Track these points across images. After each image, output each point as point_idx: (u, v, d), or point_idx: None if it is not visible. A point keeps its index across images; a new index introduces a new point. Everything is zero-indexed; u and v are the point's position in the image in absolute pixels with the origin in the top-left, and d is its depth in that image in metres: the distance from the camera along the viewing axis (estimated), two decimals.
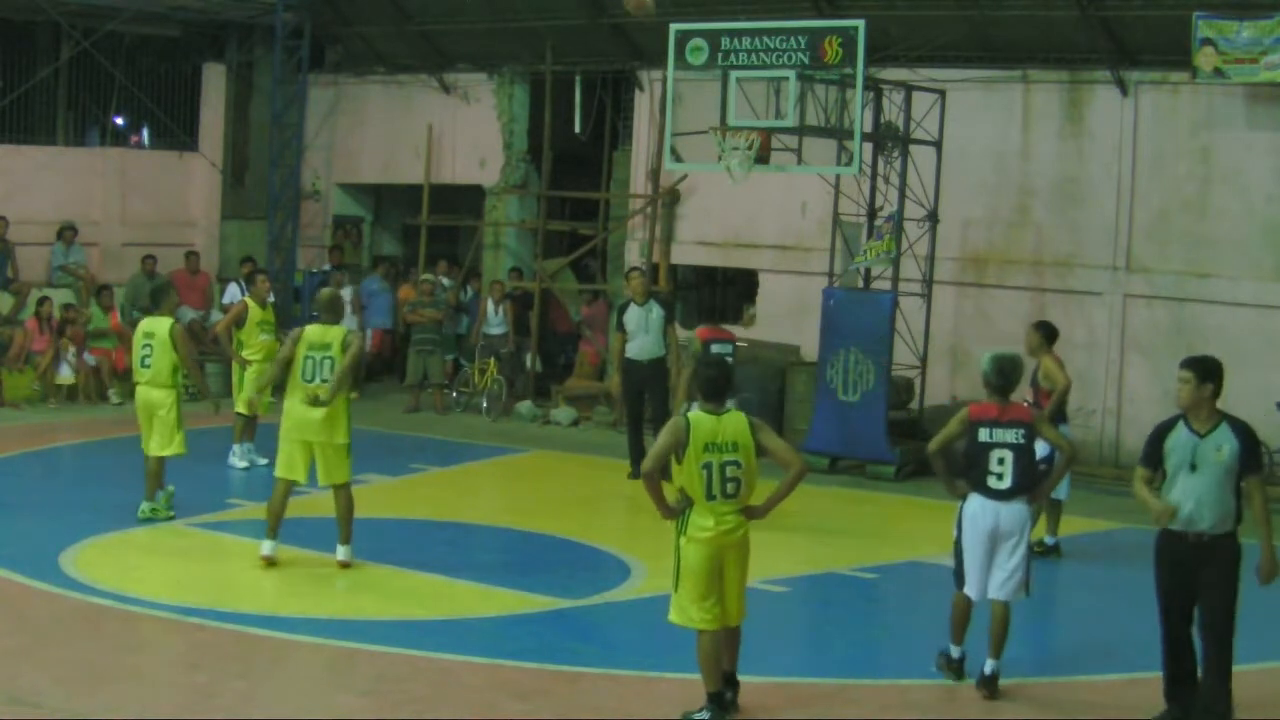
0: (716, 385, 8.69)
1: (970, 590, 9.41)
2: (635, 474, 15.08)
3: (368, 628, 10.29)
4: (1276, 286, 16.81)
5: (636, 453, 15.54)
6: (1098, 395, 17.74)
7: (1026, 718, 9.12)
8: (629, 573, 12.20)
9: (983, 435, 9.27)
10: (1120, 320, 17.75)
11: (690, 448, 8.45)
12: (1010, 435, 9.27)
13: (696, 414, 8.60)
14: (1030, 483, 9.37)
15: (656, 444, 8.61)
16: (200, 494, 14.42)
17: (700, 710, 8.63)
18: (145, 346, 13.13)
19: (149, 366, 13.11)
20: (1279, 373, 16.68)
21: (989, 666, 9.34)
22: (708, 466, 8.46)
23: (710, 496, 8.50)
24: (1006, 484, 9.26)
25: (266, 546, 11.71)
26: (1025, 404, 10.09)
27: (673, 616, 8.74)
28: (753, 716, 9.14)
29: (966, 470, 9.36)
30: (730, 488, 8.50)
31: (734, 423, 8.57)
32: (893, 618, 11.27)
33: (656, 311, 15.82)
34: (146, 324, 13.34)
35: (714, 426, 8.52)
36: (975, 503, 9.33)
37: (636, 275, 16.47)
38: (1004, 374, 9.42)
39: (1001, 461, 9.25)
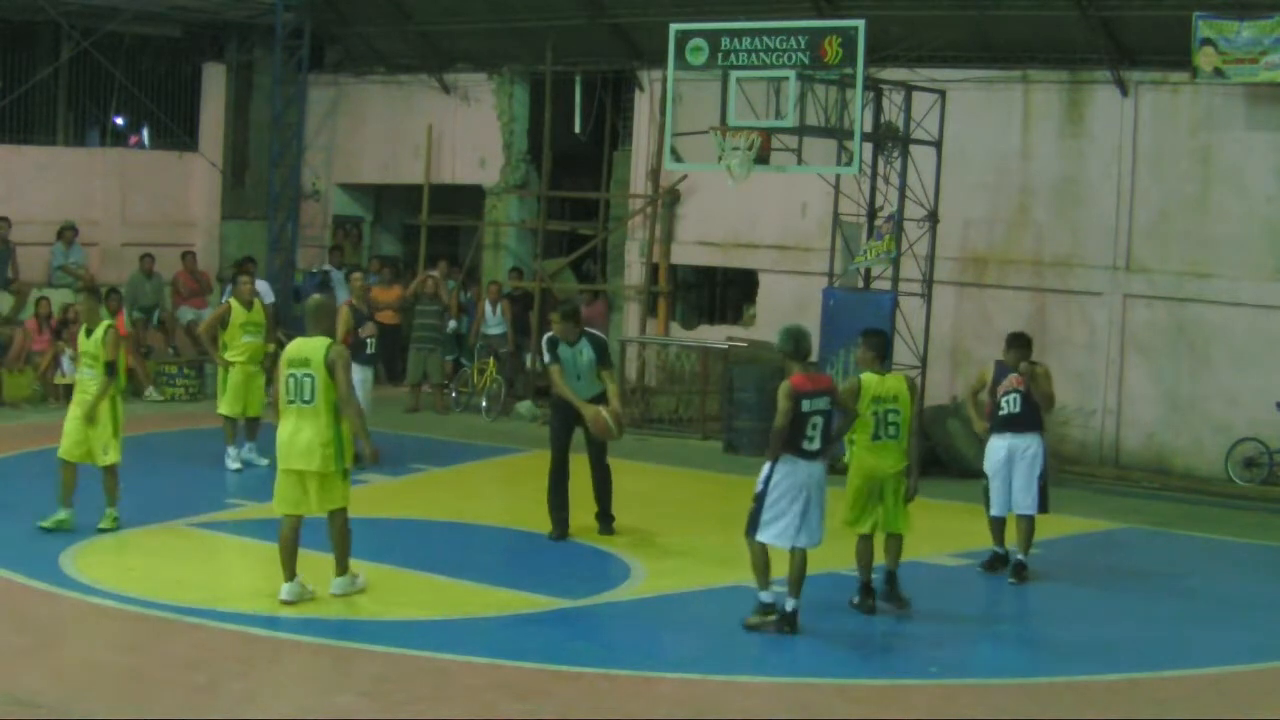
0: (886, 349, 11.44)
1: (782, 540, 10.46)
2: (556, 534, 13.24)
3: (368, 628, 10.28)
4: (1276, 286, 16.81)
5: (561, 509, 13.35)
6: (1098, 395, 17.76)
7: (1026, 718, 9.12)
8: (629, 573, 12.20)
9: (804, 405, 10.38)
10: (1120, 320, 17.75)
11: (862, 401, 10.91)
12: (822, 403, 10.49)
13: (867, 375, 11.02)
14: (829, 442, 10.65)
15: (843, 394, 10.94)
16: (200, 494, 14.45)
17: (854, 595, 11.14)
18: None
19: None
20: (1279, 373, 16.70)
21: (792, 605, 10.49)
22: (876, 414, 10.92)
23: (876, 437, 10.97)
24: (817, 445, 10.48)
25: (284, 591, 10.69)
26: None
27: (845, 524, 11.10)
28: (753, 717, 9.16)
29: (788, 436, 10.36)
30: (891, 430, 11.00)
31: (895, 381, 11.13)
32: (893, 617, 11.26)
33: (587, 354, 13.22)
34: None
35: (880, 384, 11.01)
36: (790, 463, 10.41)
37: (556, 319, 13.45)
38: (799, 340, 10.63)
39: (815, 427, 10.43)
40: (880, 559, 11.22)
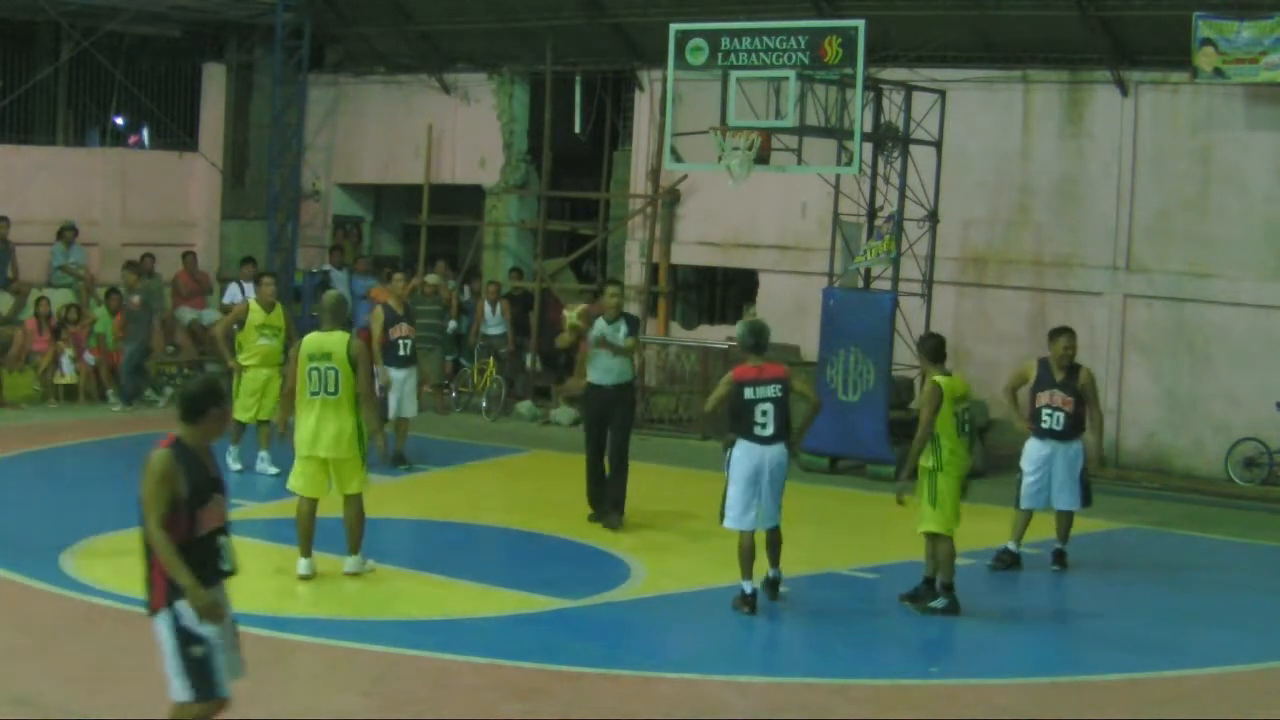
0: (941, 352, 11.33)
1: (742, 523, 10.96)
2: (596, 516, 13.75)
3: (368, 628, 10.28)
4: (1276, 286, 16.81)
5: (596, 491, 13.80)
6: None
7: (1026, 718, 9.12)
8: (629, 573, 12.20)
9: (747, 393, 10.89)
10: (1120, 320, 17.75)
11: (946, 403, 11.00)
12: (770, 390, 10.92)
13: (942, 378, 11.10)
14: (787, 429, 11.06)
15: (927, 415, 10.98)
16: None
17: (937, 599, 11.15)
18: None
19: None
20: (1279, 373, 16.69)
21: (774, 573, 11.22)
22: (957, 414, 11.09)
23: (960, 435, 11.13)
24: (770, 431, 10.92)
25: (301, 565, 11.42)
26: None
27: (937, 528, 11.11)
28: (754, 717, 9.16)
29: (734, 422, 10.96)
30: (967, 429, 11.27)
31: (961, 382, 11.35)
32: (893, 618, 11.27)
33: (623, 331, 13.75)
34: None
35: (951, 385, 11.14)
36: (742, 448, 10.94)
37: (614, 292, 14.09)
38: (758, 334, 11.20)
39: (764, 413, 10.89)
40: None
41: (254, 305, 15.55)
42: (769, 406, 10.92)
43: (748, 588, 10.96)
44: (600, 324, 13.76)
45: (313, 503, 11.44)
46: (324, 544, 11.71)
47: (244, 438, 15.61)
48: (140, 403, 19.84)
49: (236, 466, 15.51)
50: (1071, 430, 12.70)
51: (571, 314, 14.01)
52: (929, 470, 11.14)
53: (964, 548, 12.77)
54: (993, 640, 11.07)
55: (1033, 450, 12.75)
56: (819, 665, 10.25)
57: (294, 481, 11.55)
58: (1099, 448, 12.93)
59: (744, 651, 10.58)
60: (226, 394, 7.22)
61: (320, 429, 11.28)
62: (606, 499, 13.70)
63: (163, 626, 6.87)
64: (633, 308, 21.14)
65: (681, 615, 11.28)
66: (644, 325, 20.85)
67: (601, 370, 13.76)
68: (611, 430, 13.71)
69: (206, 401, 6.97)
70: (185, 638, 6.84)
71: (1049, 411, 12.67)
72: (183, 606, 6.79)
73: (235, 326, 15.61)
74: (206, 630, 6.83)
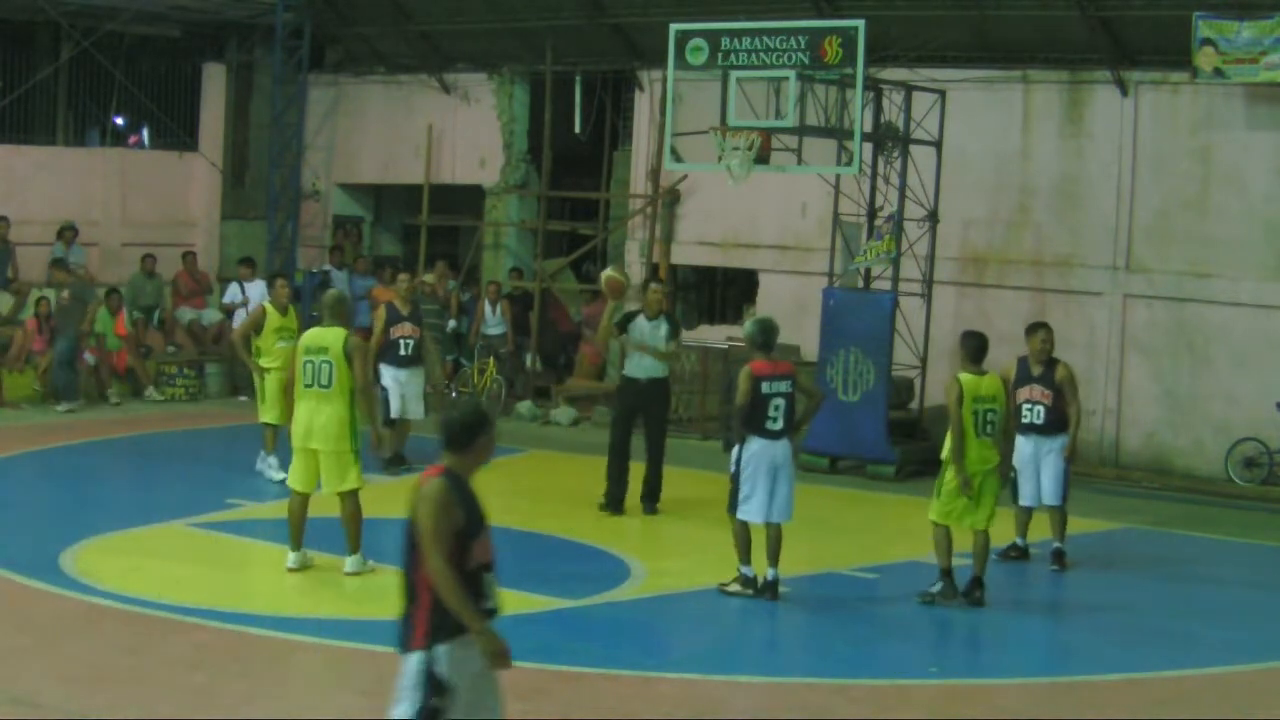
0: (979, 352, 11.36)
1: (754, 515, 11.14)
2: (608, 506, 14.10)
3: (368, 628, 10.27)
4: (1276, 286, 16.81)
5: (618, 484, 14.17)
6: (1098, 395, 17.73)
7: (1026, 718, 9.12)
8: (629, 573, 12.20)
9: (764, 388, 11.08)
10: (1120, 320, 17.75)
11: (965, 400, 11.13)
12: (783, 386, 11.15)
13: (965, 376, 11.24)
14: (792, 424, 11.28)
15: (952, 413, 11.14)
16: (200, 494, 14.43)
17: (935, 584, 11.33)
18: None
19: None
20: (1279, 373, 16.69)
21: (772, 574, 11.20)
22: (975, 413, 11.15)
23: (977, 436, 11.16)
24: (780, 426, 11.15)
25: (290, 559, 11.58)
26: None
27: (933, 516, 11.37)
28: (753, 717, 9.16)
29: (748, 417, 11.09)
30: (989, 429, 11.24)
31: (991, 381, 11.34)
32: (893, 618, 11.27)
33: (665, 330, 14.30)
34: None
35: (977, 384, 11.22)
36: (757, 443, 11.11)
37: (656, 289, 14.75)
38: (768, 333, 11.34)
39: (777, 408, 11.11)
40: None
41: (270, 309, 15.36)
42: (781, 402, 11.14)
43: (749, 571, 11.19)
44: (640, 321, 14.23)
45: (304, 498, 11.51)
46: (324, 544, 11.73)
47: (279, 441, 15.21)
48: (76, 402, 19.37)
49: (279, 476, 14.58)
50: (1052, 425, 12.72)
51: (610, 269, 14.52)
52: (944, 462, 11.34)
53: (960, 548, 12.80)
54: (993, 640, 11.09)
55: (1019, 448, 12.72)
56: (819, 665, 10.25)
57: (290, 477, 11.70)
58: (1073, 443, 12.88)
59: (744, 651, 10.59)
60: (493, 419, 6.78)
61: (312, 420, 11.41)
62: (643, 488, 14.21)
63: (414, 666, 6.39)
64: (632, 308, 21.17)
65: (681, 615, 11.29)
66: None
67: (637, 364, 14.28)
68: (647, 424, 14.26)
69: (477, 429, 6.59)
70: (434, 686, 6.35)
71: (1028, 406, 12.74)
72: (441, 652, 6.34)
73: (253, 332, 15.49)
74: (457, 683, 6.38)
